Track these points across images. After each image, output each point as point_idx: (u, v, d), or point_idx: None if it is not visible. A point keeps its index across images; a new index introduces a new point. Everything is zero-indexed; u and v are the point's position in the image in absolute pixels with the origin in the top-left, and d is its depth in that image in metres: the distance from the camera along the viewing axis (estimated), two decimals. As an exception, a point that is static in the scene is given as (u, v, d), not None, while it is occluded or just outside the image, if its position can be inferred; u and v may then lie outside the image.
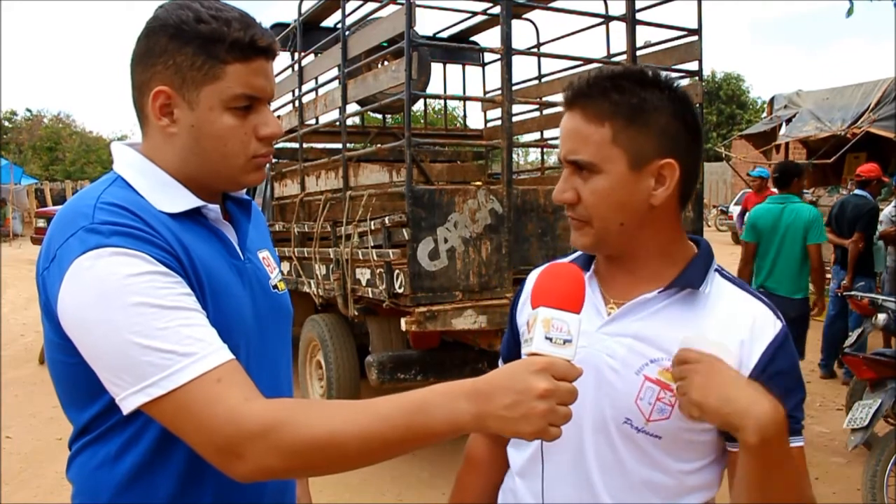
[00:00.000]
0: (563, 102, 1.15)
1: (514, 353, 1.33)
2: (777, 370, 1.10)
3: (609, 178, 1.10)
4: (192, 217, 1.15)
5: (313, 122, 5.79)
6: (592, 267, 1.24)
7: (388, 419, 0.96)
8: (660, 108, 1.10)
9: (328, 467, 1.02)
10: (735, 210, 9.34)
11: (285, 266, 5.60)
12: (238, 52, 1.09)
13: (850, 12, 4.81)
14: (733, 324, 1.12)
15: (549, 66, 6.27)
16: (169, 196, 1.12)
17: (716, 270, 1.20)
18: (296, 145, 5.69)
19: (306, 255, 5.14)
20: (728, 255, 16.14)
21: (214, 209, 1.18)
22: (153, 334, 0.97)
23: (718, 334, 1.10)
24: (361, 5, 4.88)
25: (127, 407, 1.00)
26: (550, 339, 0.95)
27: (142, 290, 0.98)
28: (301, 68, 5.53)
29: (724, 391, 1.00)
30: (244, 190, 1.28)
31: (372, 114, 7.17)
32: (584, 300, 1.00)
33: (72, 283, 1.00)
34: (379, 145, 5.70)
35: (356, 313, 4.63)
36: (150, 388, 0.97)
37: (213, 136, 1.11)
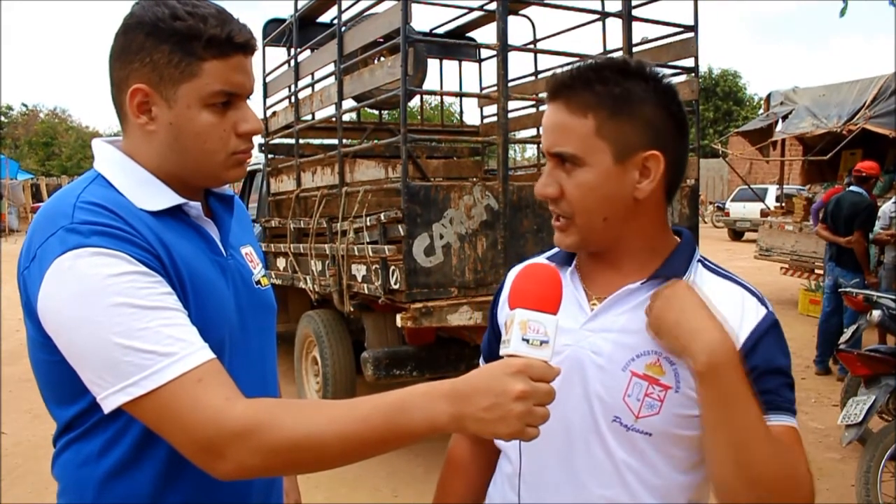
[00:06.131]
0: (546, 96, 1.13)
1: (495, 351, 1.30)
2: (760, 353, 1.07)
3: (593, 171, 1.08)
4: (174, 214, 1.14)
5: (309, 117, 5.78)
6: (574, 262, 1.22)
7: (368, 420, 0.97)
8: (644, 98, 1.08)
9: (309, 466, 1.03)
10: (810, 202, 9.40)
11: (281, 262, 5.59)
12: (215, 48, 1.08)
13: (843, 12, 4.82)
14: (718, 312, 1.09)
15: (545, 62, 6.27)
16: (149, 194, 1.12)
17: (699, 261, 1.18)
18: (292, 141, 5.68)
19: (302, 251, 5.14)
20: (724, 251, 16.22)
21: (196, 206, 1.17)
22: (134, 334, 0.97)
23: None
24: (358, 1, 4.87)
25: (108, 406, 1.00)
26: (527, 341, 0.95)
27: (122, 291, 0.98)
28: (297, 64, 5.52)
29: (680, 314, 1.02)
30: (239, 184, 1.27)
31: (368, 110, 7.15)
32: (560, 301, 0.99)
33: (52, 282, 1.00)
34: (375, 141, 5.70)
35: (352, 309, 4.63)
36: (130, 388, 0.97)
37: (192, 133, 1.11)
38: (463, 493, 1.36)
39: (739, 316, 1.10)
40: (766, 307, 1.12)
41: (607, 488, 1.12)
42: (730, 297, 1.12)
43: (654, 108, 1.09)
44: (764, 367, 1.07)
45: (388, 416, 0.96)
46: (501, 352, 0.97)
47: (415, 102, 8.56)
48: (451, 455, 1.39)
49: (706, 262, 1.20)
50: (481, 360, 1.39)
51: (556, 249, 1.27)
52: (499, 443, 1.28)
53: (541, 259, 1.28)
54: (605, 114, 1.07)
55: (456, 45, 6.86)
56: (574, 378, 1.10)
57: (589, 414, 1.12)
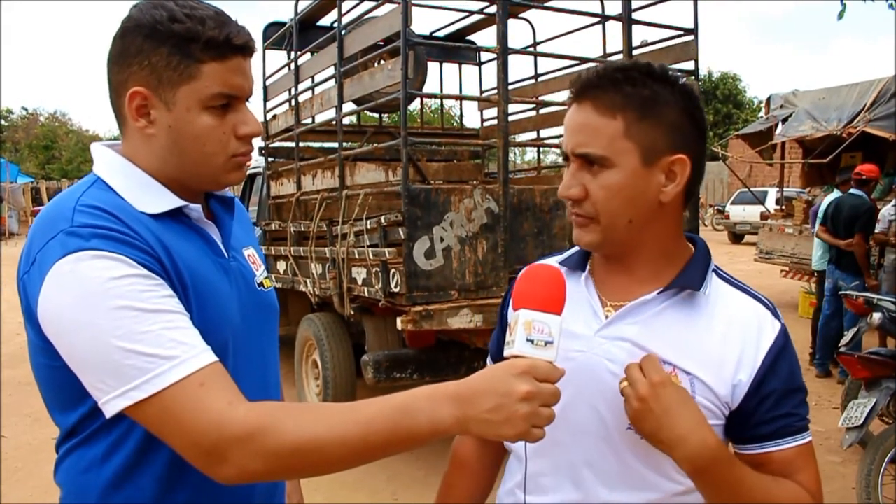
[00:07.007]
0: (570, 96, 1.11)
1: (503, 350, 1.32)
2: (778, 373, 1.10)
3: (621, 173, 1.07)
4: (175, 217, 1.14)
5: (309, 120, 5.78)
6: (587, 268, 1.21)
7: (371, 423, 0.96)
8: (670, 102, 1.08)
9: (312, 471, 1.02)
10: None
11: (281, 265, 5.59)
12: (214, 50, 1.07)
13: (841, 15, 4.84)
14: (734, 326, 1.11)
15: (545, 65, 6.28)
16: (150, 196, 1.11)
17: (713, 270, 1.18)
18: (292, 144, 5.68)
19: (302, 254, 5.14)
20: (724, 254, 16.22)
21: (196, 209, 1.17)
22: (135, 338, 0.96)
23: (719, 337, 1.10)
24: (358, 4, 4.87)
25: (109, 411, 0.99)
26: (532, 342, 0.95)
27: (124, 294, 0.97)
28: (297, 67, 5.52)
29: (657, 423, 1.02)
30: (239, 187, 1.27)
31: (368, 113, 7.16)
32: (564, 301, 0.99)
33: (52, 286, 0.99)
34: (375, 144, 5.69)
35: (352, 312, 4.63)
36: (132, 392, 0.96)
37: (192, 136, 1.10)
38: (467, 491, 1.35)
39: (756, 333, 1.12)
40: (779, 319, 1.15)
41: (616, 491, 1.12)
42: (746, 313, 1.14)
43: (680, 112, 1.09)
44: (782, 388, 1.10)
45: (391, 419, 0.96)
46: (505, 353, 0.97)
47: (415, 105, 8.56)
48: (456, 453, 1.38)
49: (720, 273, 1.19)
50: (488, 360, 1.38)
51: (569, 252, 1.26)
52: (507, 444, 1.28)
53: (553, 261, 1.27)
54: (633, 115, 1.06)
55: (456, 48, 6.86)
56: (587, 385, 1.10)
57: (602, 421, 1.12)
